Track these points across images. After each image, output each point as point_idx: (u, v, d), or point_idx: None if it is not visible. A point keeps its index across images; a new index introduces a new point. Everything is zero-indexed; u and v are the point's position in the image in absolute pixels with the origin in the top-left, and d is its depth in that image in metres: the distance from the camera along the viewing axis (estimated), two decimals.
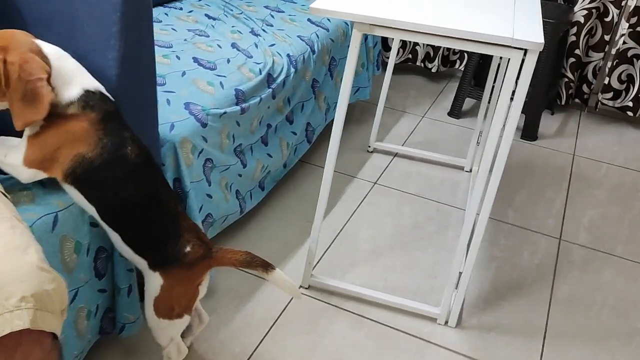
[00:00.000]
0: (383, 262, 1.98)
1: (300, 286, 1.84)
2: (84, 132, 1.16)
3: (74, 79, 1.17)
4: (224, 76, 1.81)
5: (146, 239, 1.28)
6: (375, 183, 2.40)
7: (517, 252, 2.09)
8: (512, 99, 1.40)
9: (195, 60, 1.85)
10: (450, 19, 1.36)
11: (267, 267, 1.38)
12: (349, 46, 2.47)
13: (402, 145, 2.67)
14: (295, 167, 2.34)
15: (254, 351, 1.62)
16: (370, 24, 1.37)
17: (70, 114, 1.15)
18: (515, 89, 1.38)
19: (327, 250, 2.01)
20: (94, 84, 1.20)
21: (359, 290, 1.81)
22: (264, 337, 1.66)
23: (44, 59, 1.13)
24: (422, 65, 3.31)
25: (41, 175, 1.19)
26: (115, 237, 1.28)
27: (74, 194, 1.22)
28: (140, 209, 1.25)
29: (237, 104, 1.77)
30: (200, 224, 1.73)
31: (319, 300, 1.80)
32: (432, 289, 1.89)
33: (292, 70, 2.04)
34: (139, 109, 1.39)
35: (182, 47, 1.92)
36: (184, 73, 1.77)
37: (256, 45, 2.04)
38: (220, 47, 1.98)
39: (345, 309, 1.78)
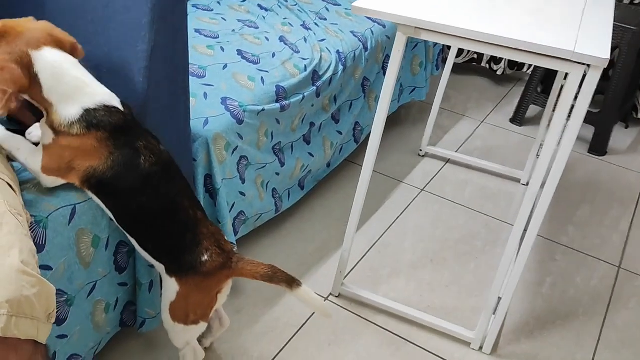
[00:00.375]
0: (421, 276, 1.88)
1: (330, 294, 1.77)
2: (92, 149, 1.14)
3: (70, 98, 1.13)
4: (266, 71, 1.75)
5: (162, 246, 1.24)
6: (422, 190, 2.29)
7: (569, 278, 1.93)
8: (570, 116, 1.27)
9: (240, 53, 1.80)
10: (506, 26, 1.24)
11: (292, 283, 1.30)
12: (407, 44, 2.37)
13: (457, 151, 2.54)
14: (341, 167, 2.26)
15: (274, 359, 1.56)
16: (416, 27, 1.26)
17: (75, 133, 1.12)
18: (575, 104, 1.24)
19: (363, 257, 1.93)
20: (95, 99, 1.14)
21: (392, 305, 1.72)
22: (286, 344, 1.61)
23: (34, 76, 1.09)
24: (488, 66, 3.14)
25: (60, 181, 1.18)
26: (133, 241, 1.26)
27: (94, 198, 1.21)
28: (155, 217, 1.21)
29: (277, 102, 1.71)
30: (232, 221, 1.69)
31: (348, 310, 1.73)
32: (471, 309, 1.77)
33: (341, 67, 1.95)
34: (170, 103, 1.35)
35: (229, 38, 1.88)
36: (225, 66, 1.72)
37: (305, 40, 1.97)
38: (267, 40, 1.92)
39: (374, 323, 1.69)
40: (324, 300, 1.75)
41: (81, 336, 1.31)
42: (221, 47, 1.81)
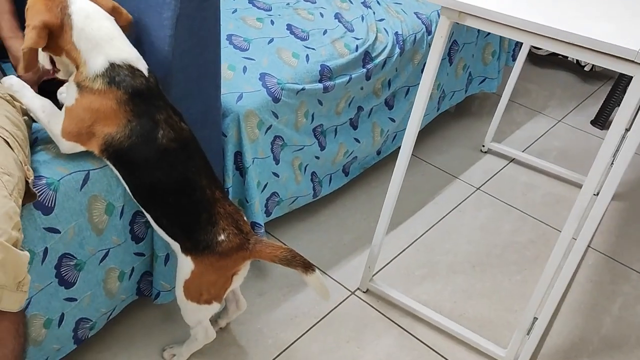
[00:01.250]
0: (458, 281, 1.75)
1: (358, 288, 1.69)
2: (112, 112, 1.11)
3: (98, 46, 1.10)
4: (313, 49, 1.66)
5: (177, 224, 1.21)
6: (478, 189, 2.13)
7: (628, 304, 1.73)
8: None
9: (289, 27, 1.73)
10: (564, 16, 1.08)
11: (307, 268, 1.26)
12: (478, 30, 2.20)
13: (524, 150, 2.34)
14: (393, 156, 2.13)
15: (287, 347, 1.51)
16: (460, 12, 1.13)
17: (97, 89, 1.10)
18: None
19: (400, 254, 1.82)
20: (121, 55, 1.12)
21: (420, 309, 1.61)
22: (303, 334, 1.55)
23: (67, 17, 1.09)
24: (575, 60, 2.87)
25: (79, 148, 1.16)
26: (148, 217, 1.24)
27: (112, 168, 1.19)
28: (171, 194, 1.18)
29: (320, 81, 1.63)
30: (263, 202, 1.65)
31: (373, 307, 1.64)
32: (507, 325, 1.63)
33: (397, 50, 1.83)
34: (198, 75, 1.31)
35: (281, 11, 1.81)
36: (271, 40, 1.66)
37: (362, 18, 1.86)
38: (322, 15, 1.83)
39: (399, 325, 1.60)
40: (350, 294, 1.67)
41: (92, 301, 1.32)
42: (271, 21, 1.74)
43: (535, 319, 1.42)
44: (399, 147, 1.47)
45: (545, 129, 2.51)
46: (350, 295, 1.67)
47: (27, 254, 0.90)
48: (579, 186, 2.19)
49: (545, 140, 2.44)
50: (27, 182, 1.05)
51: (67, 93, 1.16)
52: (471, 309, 1.66)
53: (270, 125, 1.54)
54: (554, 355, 1.56)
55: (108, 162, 1.18)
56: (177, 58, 1.24)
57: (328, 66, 1.64)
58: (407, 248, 1.85)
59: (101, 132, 1.13)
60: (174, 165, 1.17)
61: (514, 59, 2.45)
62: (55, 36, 1.10)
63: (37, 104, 1.17)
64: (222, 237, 1.20)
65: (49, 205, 1.13)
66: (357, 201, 2.00)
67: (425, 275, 1.76)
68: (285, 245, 1.27)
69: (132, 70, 1.12)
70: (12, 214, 0.91)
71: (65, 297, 1.24)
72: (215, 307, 1.31)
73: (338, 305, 1.64)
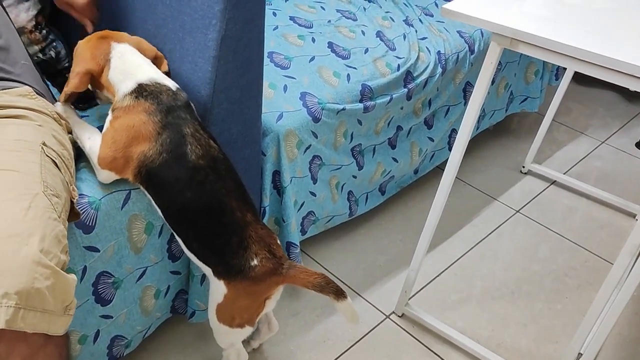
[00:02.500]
0: (496, 309, 1.70)
1: (393, 312, 1.65)
2: (142, 124, 1.12)
3: (128, 75, 1.17)
4: (354, 68, 1.64)
5: (208, 247, 1.18)
6: (517, 211, 2.08)
7: None
8: None
9: (330, 45, 1.71)
10: (624, 45, 1.04)
11: (339, 295, 1.22)
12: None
13: (565, 172, 2.28)
14: (431, 175, 2.11)
15: None
16: (513, 39, 1.10)
17: (126, 106, 1.14)
18: None
19: (436, 277, 1.79)
20: (149, 75, 1.17)
21: (456, 336, 1.57)
22: (336, 358, 1.52)
23: (105, 59, 1.19)
24: None
25: (114, 176, 1.17)
26: (179, 241, 1.21)
27: (145, 193, 1.19)
28: (200, 216, 1.15)
29: (360, 101, 1.60)
30: (299, 221, 1.63)
31: (408, 333, 1.60)
32: (547, 357, 1.57)
33: (439, 70, 1.80)
34: (240, 96, 1.30)
35: (323, 29, 1.79)
36: (312, 58, 1.64)
37: (404, 37, 1.83)
38: (363, 34, 1.81)
39: (434, 352, 1.56)
40: (385, 318, 1.64)
41: (128, 319, 1.32)
42: (312, 38, 1.73)
43: (580, 354, 1.36)
44: (437, 167, 1.43)
45: (587, 150, 2.44)
46: (385, 319, 1.64)
47: (75, 277, 0.90)
48: (622, 211, 2.11)
49: (587, 162, 2.37)
50: (72, 202, 1.05)
51: (106, 120, 1.19)
52: (509, 338, 1.61)
53: (310, 145, 1.53)
54: None
55: (141, 188, 1.18)
56: (220, 79, 1.23)
57: (369, 86, 1.62)
58: (443, 271, 1.81)
59: (134, 153, 1.13)
60: (203, 184, 1.14)
61: (557, 78, 2.39)
62: (95, 77, 1.20)
63: (85, 131, 1.20)
64: (255, 262, 1.17)
65: (90, 224, 1.13)
66: (393, 221, 1.97)
67: (462, 301, 1.71)
68: (318, 271, 1.23)
69: (159, 85, 1.17)
70: (61, 237, 0.91)
71: (101, 314, 1.25)
72: (248, 330, 1.29)
73: (372, 329, 1.61)
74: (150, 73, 1.18)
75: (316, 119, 1.51)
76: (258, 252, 1.17)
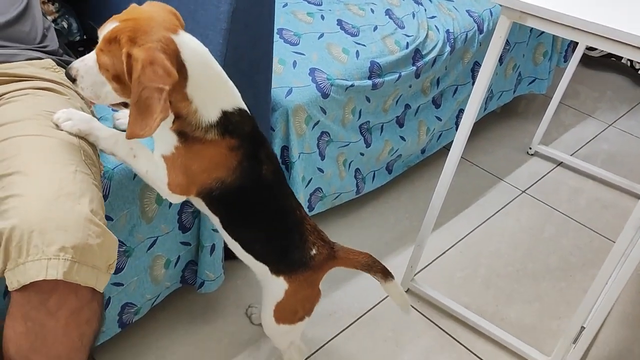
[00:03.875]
0: (501, 285, 1.72)
1: None
2: (223, 159, 1.03)
3: (213, 95, 0.98)
4: (363, 45, 1.65)
5: (271, 248, 1.19)
6: (523, 192, 2.09)
7: None
8: None
9: (339, 23, 1.72)
10: (636, 18, 1.05)
11: (387, 275, 1.27)
12: (531, 29, 2.15)
13: (572, 154, 2.29)
14: (438, 155, 2.12)
15: (326, 344, 1.51)
16: (522, 12, 1.11)
17: (209, 139, 0.99)
18: None
19: (441, 255, 1.81)
20: (233, 102, 1.02)
21: (461, 311, 1.59)
22: (342, 331, 1.55)
23: (180, 65, 0.92)
24: (629, 63, 2.78)
25: (183, 198, 1.09)
26: (234, 245, 1.18)
27: (199, 204, 1.13)
28: (267, 223, 1.16)
29: (369, 78, 1.62)
30: (307, 197, 1.65)
31: (413, 307, 1.63)
32: (551, 332, 1.59)
33: (448, 48, 1.81)
34: (250, 69, 1.31)
35: (332, 6, 1.80)
36: (321, 35, 1.65)
37: (413, 15, 1.83)
38: (372, 11, 1.81)
39: (439, 326, 1.58)
40: None
41: (138, 287, 1.35)
42: (322, 15, 1.74)
43: (583, 328, 1.38)
44: (444, 147, 1.45)
45: (595, 133, 2.44)
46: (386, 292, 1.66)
47: (116, 238, 0.93)
48: (628, 192, 2.12)
49: (594, 144, 2.38)
50: None
51: (159, 140, 1.03)
52: (513, 314, 1.63)
53: (318, 121, 1.54)
54: None
55: (199, 200, 1.10)
56: (230, 51, 1.24)
57: (378, 63, 1.63)
58: (449, 249, 1.83)
59: (209, 178, 1.05)
60: (272, 194, 1.15)
61: (566, 60, 2.39)
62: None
63: (126, 149, 1.05)
64: (314, 251, 1.19)
65: (104, 193, 1.15)
66: (400, 200, 1.99)
67: (467, 278, 1.74)
68: (364, 252, 1.26)
69: (241, 113, 1.04)
70: (103, 202, 0.95)
71: (112, 282, 1.27)
72: (306, 322, 1.28)
73: (377, 303, 1.63)
74: (234, 97, 1.03)
75: (325, 95, 1.52)
76: (315, 241, 1.20)
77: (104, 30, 0.92)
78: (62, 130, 0.97)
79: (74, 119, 0.99)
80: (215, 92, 0.99)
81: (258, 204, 1.13)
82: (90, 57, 0.95)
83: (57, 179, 0.88)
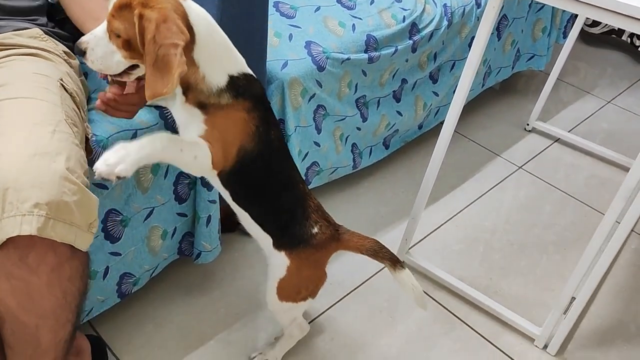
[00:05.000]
0: (495, 258, 1.74)
1: None
2: (244, 123, 1.04)
3: (218, 60, 1.01)
4: (360, 18, 1.65)
5: (277, 221, 1.19)
6: (520, 167, 2.10)
7: None
8: None
9: None
10: None
11: (395, 263, 1.25)
12: (530, 4, 2.14)
13: (570, 130, 2.29)
14: (435, 131, 2.12)
15: (321, 314, 1.54)
16: None
17: (225, 104, 1.01)
18: None
19: (437, 228, 1.82)
20: (238, 67, 1.04)
21: (455, 283, 1.61)
22: (336, 302, 1.57)
23: (188, 27, 0.95)
24: (629, 40, 2.77)
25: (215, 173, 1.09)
26: (244, 215, 1.19)
27: (213, 179, 1.13)
28: (275, 192, 1.17)
29: (365, 52, 1.62)
30: (304, 171, 1.66)
31: None
32: (543, 304, 1.61)
33: (445, 23, 1.80)
34: (245, 41, 1.31)
35: None
36: (318, 8, 1.65)
37: None
38: None
39: (433, 298, 1.60)
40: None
41: (135, 257, 1.37)
42: None
43: (574, 298, 1.40)
44: (441, 123, 1.45)
45: (593, 110, 2.44)
46: (384, 266, 1.68)
47: (96, 197, 0.94)
48: (626, 169, 2.13)
49: (592, 121, 2.38)
50: (86, 138, 1.09)
51: (185, 122, 1.05)
52: (507, 287, 1.65)
53: (314, 94, 1.55)
54: (589, 337, 1.54)
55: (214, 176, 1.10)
56: (224, 23, 1.23)
57: (374, 36, 1.63)
58: (445, 223, 1.84)
59: (235, 149, 1.06)
60: (281, 164, 1.15)
61: (565, 37, 2.37)
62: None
63: (174, 145, 1.01)
64: (316, 229, 1.19)
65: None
66: (396, 175, 2.00)
67: (462, 251, 1.75)
68: (371, 237, 1.26)
69: (247, 77, 1.06)
70: (82, 161, 0.96)
71: (110, 251, 1.29)
72: (309, 303, 1.29)
73: (372, 275, 1.65)
74: (237, 62, 1.05)
75: (321, 68, 1.53)
76: (317, 220, 1.20)
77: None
78: (118, 177, 0.92)
79: (124, 161, 0.93)
80: (220, 57, 1.01)
81: (268, 171, 1.13)
82: (99, 29, 0.99)
83: (34, 138, 0.89)
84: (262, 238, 1.21)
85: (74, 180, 0.89)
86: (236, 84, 1.03)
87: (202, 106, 1.02)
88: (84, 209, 0.91)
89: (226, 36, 1.03)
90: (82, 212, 0.90)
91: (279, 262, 1.21)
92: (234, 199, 1.15)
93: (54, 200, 0.85)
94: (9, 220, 0.83)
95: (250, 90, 1.05)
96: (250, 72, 1.08)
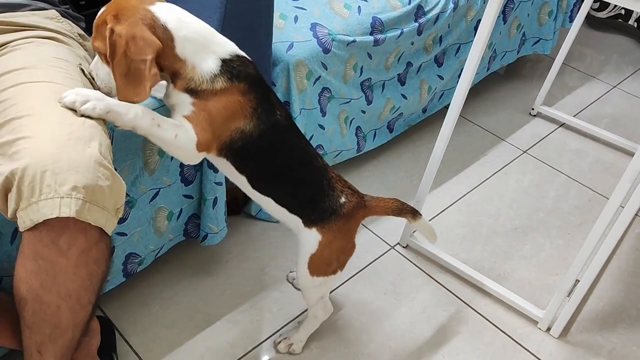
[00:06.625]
0: (499, 243, 1.74)
1: (398, 243, 1.71)
2: (239, 106, 1.05)
3: (206, 47, 1.03)
4: (365, 1, 1.64)
5: (302, 198, 1.19)
6: (524, 152, 2.10)
7: None
8: None
9: None
10: None
11: (415, 214, 1.33)
12: None
13: (575, 115, 2.28)
14: (439, 115, 2.11)
15: None
16: None
17: (219, 88, 1.03)
18: None
19: (441, 212, 1.83)
20: (227, 50, 1.05)
21: (459, 266, 1.62)
22: (341, 284, 1.58)
23: (162, 30, 0.99)
24: (635, 25, 2.75)
25: (205, 155, 1.10)
26: (266, 202, 1.19)
27: (224, 166, 1.13)
28: (295, 170, 1.17)
29: (371, 34, 1.61)
30: None
31: (412, 263, 1.66)
32: (546, 288, 1.62)
33: (451, 5, 1.79)
34: (250, 22, 1.32)
35: None
36: None
37: None
38: None
39: (436, 280, 1.61)
40: (390, 249, 1.69)
41: (141, 237, 1.38)
42: None
43: (577, 281, 1.41)
44: (445, 107, 1.45)
45: (599, 95, 2.43)
46: (389, 249, 1.69)
47: (124, 183, 0.95)
48: (631, 154, 2.12)
49: (598, 105, 2.37)
50: None
51: (173, 104, 1.07)
52: (510, 270, 1.66)
53: (319, 76, 1.55)
54: (592, 319, 1.55)
55: (224, 160, 1.11)
56: (230, 4, 1.24)
57: (380, 19, 1.62)
58: (449, 207, 1.85)
59: (228, 130, 1.07)
60: (293, 141, 1.16)
61: (571, 21, 2.36)
62: (161, 53, 1.00)
63: (148, 119, 1.02)
64: (343, 199, 1.20)
65: None
66: (401, 159, 2.00)
67: (466, 235, 1.76)
68: (392, 197, 1.29)
69: (240, 58, 1.07)
70: (111, 150, 0.97)
71: (116, 231, 1.30)
72: (338, 276, 1.29)
73: (377, 258, 1.66)
74: (226, 44, 1.06)
75: (326, 50, 1.52)
76: (343, 189, 1.21)
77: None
78: (82, 114, 0.94)
79: (91, 99, 0.95)
80: (205, 44, 1.03)
81: (281, 151, 1.14)
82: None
83: (67, 122, 0.90)
84: (290, 220, 1.22)
85: (107, 166, 0.91)
86: (230, 67, 1.04)
87: (192, 92, 1.03)
88: (115, 193, 0.92)
89: (204, 23, 1.05)
90: (112, 197, 0.92)
91: (310, 239, 1.21)
92: (252, 186, 1.16)
93: (90, 184, 0.87)
94: (47, 202, 0.84)
95: (244, 72, 1.06)
96: (243, 54, 1.08)
